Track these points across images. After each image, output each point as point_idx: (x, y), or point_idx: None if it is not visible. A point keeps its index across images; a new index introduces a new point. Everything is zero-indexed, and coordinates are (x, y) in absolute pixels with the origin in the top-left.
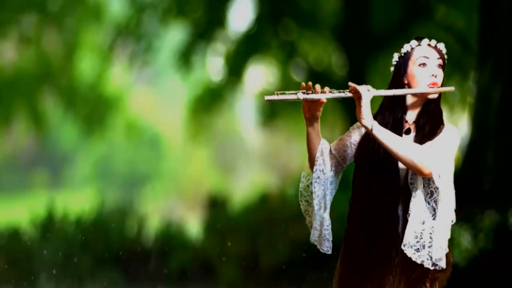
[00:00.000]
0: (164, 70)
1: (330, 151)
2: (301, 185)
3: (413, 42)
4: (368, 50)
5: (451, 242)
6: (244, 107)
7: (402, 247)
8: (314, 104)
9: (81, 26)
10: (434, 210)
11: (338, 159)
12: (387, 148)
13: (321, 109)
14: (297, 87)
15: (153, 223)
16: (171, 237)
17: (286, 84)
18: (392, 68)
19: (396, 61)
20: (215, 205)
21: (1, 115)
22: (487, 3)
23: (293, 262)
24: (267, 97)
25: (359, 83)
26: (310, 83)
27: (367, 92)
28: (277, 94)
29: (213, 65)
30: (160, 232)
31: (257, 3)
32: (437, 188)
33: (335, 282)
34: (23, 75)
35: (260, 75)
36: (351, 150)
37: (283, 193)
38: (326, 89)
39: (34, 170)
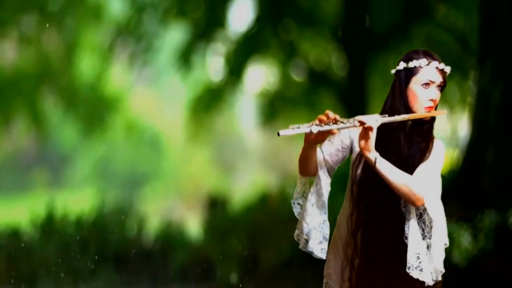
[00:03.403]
0: (164, 70)
1: (324, 158)
2: (295, 194)
3: (423, 61)
4: (368, 50)
5: (451, 242)
6: (244, 107)
7: (407, 270)
8: (323, 133)
9: (81, 26)
10: (424, 230)
11: (331, 164)
12: (386, 180)
13: (327, 136)
14: (297, 87)
15: (153, 223)
16: (171, 237)
17: (286, 84)
18: (393, 71)
19: (400, 70)
20: (215, 205)
21: (1, 115)
22: (487, 3)
23: (293, 262)
24: (281, 132)
25: (359, 83)
26: (327, 113)
27: (375, 123)
28: (292, 128)
29: (213, 65)
30: (160, 232)
31: (257, 3)
32: (425, 209)
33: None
34: (23, 75)
35: (260, 75)
36: (342, 154)
37: (283, 193)
38: (337, 117)
39: (34, 170)
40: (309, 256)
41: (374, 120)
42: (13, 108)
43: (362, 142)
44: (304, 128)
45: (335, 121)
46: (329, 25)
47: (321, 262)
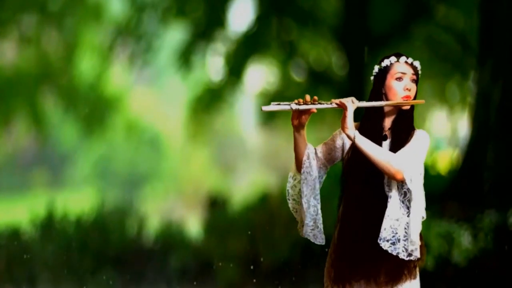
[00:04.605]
0: (164, 70)
1: (316, 154)
2: (288, 185)
3: (393, 58)
4: (368, 50)
5: (451, 242)
6: (244, 107)
7: (378, 241)
8: (303, 113)
9: (81, 26)
10: (408, 208)
11: (323, 161)
12: (367, 155)
13: (308, 118)
14: (297, 87)
15: (153, 223)
16: (171, 237)
17: (286, 84)
18: (372, 78)
19: (376, 73)
20: (215, 205)
21: (1, 115)
22: (487, 3)
23: (293, 262)
24: (264, 108)
25: (359, 83)
26: (305, 97)
27: (352, 104)
28: (273, 104)
29: (213, 65)
30: (160, 232)
31: (257, 3)
32: (409, 189)
33: (325, 270)
34: (23, 75)
35: (260, 75)
36: (335, 153)
37: (283, 193)
38: (315, 98)
39: (34, 170)
40: (309, 256)
41: (350, 101)
42: (13, 108)
43: (342, 122)
44: (284, 105)
45: (315, 102)
46: (329, 25)
47: (320, 262)
